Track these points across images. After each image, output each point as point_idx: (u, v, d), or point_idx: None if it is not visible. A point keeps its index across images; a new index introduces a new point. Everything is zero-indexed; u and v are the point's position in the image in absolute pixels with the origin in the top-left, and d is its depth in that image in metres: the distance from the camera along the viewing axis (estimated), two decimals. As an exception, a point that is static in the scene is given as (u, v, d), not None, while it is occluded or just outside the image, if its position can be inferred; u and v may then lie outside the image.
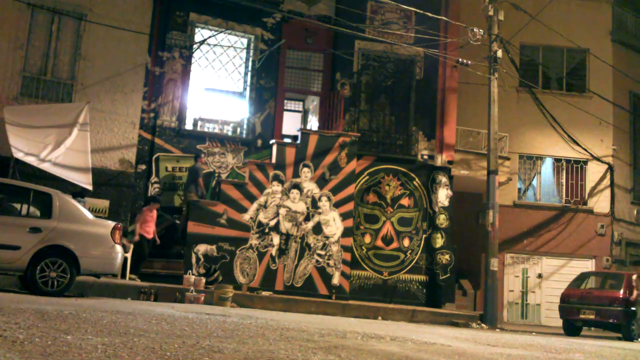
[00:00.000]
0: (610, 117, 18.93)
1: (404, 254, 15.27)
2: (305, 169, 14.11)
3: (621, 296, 13.70)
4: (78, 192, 12.06)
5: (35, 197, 9.13)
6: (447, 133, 16.08)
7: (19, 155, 11.22)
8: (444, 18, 15.52)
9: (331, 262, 13.96)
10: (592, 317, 13.79)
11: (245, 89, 15.55)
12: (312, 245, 13.87)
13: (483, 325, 13.50)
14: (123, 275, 12.36)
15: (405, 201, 15.50)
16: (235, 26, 15.34)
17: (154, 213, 13.09)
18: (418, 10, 14.86)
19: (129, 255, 12.59)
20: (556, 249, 18.42)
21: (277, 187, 13.85)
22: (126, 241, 12.51)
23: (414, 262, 15.31)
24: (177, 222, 14.03)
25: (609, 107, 18.79)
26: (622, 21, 20.27)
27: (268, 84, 15.52)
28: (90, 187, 11.97)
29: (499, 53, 14.79)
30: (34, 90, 13.57)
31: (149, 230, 12.90)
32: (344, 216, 14.18)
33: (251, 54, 15.56)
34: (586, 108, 18.28)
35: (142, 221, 12.84)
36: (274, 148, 14.18)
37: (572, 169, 19.07)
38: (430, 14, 14.81)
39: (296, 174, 14.04)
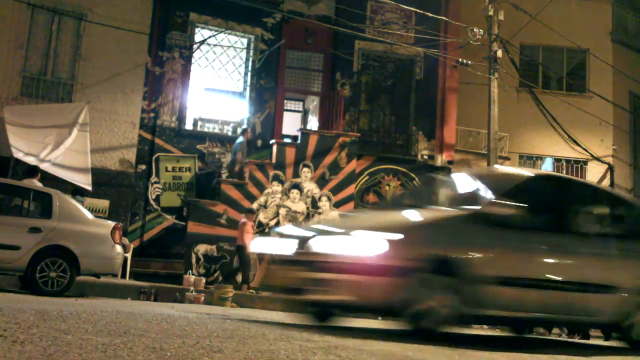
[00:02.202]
0: (610, 117, 18.92)
1: (404, 254, 15.23)
2: (305, 169, 14.12)
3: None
4: (77, 191, 12.05)
5: (35, 197, 9.13)
6: (447, 133, 16.09)
7: (19, 155, 11.23)
8: (444, 18, 15.52)
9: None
10: (592, 317, 13.81)
11: (245, 89, 15.56)
12: (312, 245, 13.84)
13: (483, 325, 13.47)
14: (123, 275, 12.36)
15: (405, 201, 15.47)
16: (235, 26, 15.35)
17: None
18: (418, 10, 14.87)
19: (129, 255, 12.59)
20: (556, 249, 18.40)
21: (277, 187, 13.85)
22: (126, 241, 12.52)
23: (414, 262, 15.28)
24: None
25: (609, 107, 18.79)
26: (622, 21, 20.27)
27: (268, 84, 15.52)
28: (89, 188, 11.98)
29: (499, 53, 14.80)
30: (34, 90, 13.57)
31: (250, 241, 12.74)
32: (344, 216, 14.17)
33: (251, 54, 15.57)
34: (586, 108, 18.28)
35: (246, 232, 12.62)
36: (274, 148, 14.18)
37: (572, 169, 19.07)
38: (430, 14, 14.81)
39: (296, 174, 14.04)
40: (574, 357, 5.47)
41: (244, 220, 12.73)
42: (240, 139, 14.13)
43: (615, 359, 6.01)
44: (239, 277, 12.59)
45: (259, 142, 15.26)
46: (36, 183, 10.17)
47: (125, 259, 12.28)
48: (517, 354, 5.50)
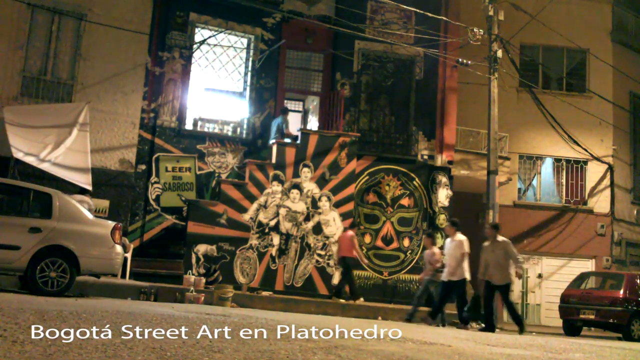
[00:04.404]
0: (610, 117, 18.93)
1: (404, 254, 15.26)
2: (305, 169, 14.11)
3: (621, 296, 13.68)
4: (83, 191, 12.09)
5: (35, 197, 9.12)
6: (447, 133, 16.08)
7: (18, 155, 11.22)
8: (444, 18, 15.51)
9: (331, 262, 13.96)
10: (592, 317, 13.78)
11: (245, 89, 15.55)
12: (312, 245, 13.87)
13: (483, 325, 13.47)
14: (123, 275, 12.36)
15: (405, 201, 15.49)
16: (235, 26, 15.34)
17: None
18: (418, 10, 14.86)
19: (129, 255, 12.59)
20: (556, 249, 18.41)
21: (277, 187, 13.85)
22: (127, 241, 12.52)
23: (414, 262, 15.30)
24: None
25: (609, 107, 18.79)
26: (622, 21, 20.28)
27: (268, 84, 15.52)
28: (90, 187, 11.97)
29: (499, 53, 14.79)
30: (34, 90, 13.56)
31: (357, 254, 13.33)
32: (344, 216, 14.17)
33: (251, 54, 15.56)
34: (586, 108, 18.28)
35: (355, 244, 13.21)
36: (274, 148, 14.18)
37: (572, 169, 19.07)
38: (430, 14, 14.81)
39: (296, 174, 14.04)
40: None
41: (351, 232, 13.22)
42: (280, 119, 14.65)
43: None
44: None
45: (259, 142, 15.26)
46: (87, 200, 11.18)
47: (125, 259, 12.29)
48: (517, 352, 5.50)
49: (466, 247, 11.06)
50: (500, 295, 11.04)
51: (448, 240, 11.47)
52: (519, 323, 11.11)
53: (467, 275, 11.07)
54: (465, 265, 11.03)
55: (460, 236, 11.25)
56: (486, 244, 11.17)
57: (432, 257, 11.73)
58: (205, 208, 13.34)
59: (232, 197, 13.49)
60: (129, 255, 12.58)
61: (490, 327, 10.85)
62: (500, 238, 11.01)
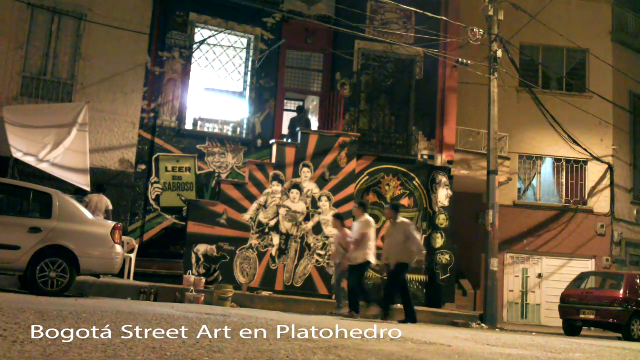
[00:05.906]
0: (610, 117, 18.92)
1: (404, 254, 15.23)
2: (305, 169, 14.11)
3: (621, 296, 13.68)
4: (101, 187, 12.23)
5: (35, 197, 9.12)
6: (447, 133, 16.08)
7: (18, 155, 11.23)
8: (444, 18, 15.52)
9: (331, 262, 13.95)
10: (592, 317, 13.78)
11: (245, 89, 15.55)
12: (312, 245, 13.86)
13: (483, 325, 13.49)
14: (123, 275, 12.36)
15: (405, 201, 15.49)
16: (235, 26, 15.34)
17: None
18: (418, 10, 14.87)
19: (133, 255, 12.60)
20: (556, 249, 18.41)
21: (277, 187, 13.85)
22: (132, 241, 12.56)
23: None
24: None
25: (609, 107, 18.79)
26: (622, 21, 20.28)
27: (268, 84, 15.51)
28: (88, 188, 12.00)
29: (499, 53, 14.79)
30: (34, 90, 13.57)
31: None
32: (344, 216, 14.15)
33: (251, 54, 15.56)
34: (586, 108, 18.28)
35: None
36: (274, 148, 14.18)
37: (572, 169, 19.07)
38: (430, 14, 14.81)
39: (296, 174, 14.04)
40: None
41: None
42: (302, 116, 15.20)
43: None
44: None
45: (259, 142, 15.26)
46: (105, 199, 11.87)
47: (130, 259, 12.33)
48: (517, 352, 5.50)
49: (366, 228, 10.38)
50: (394, 275, 10.20)
51: (355, 223, 10.93)
52: (409, 313, 10.25)
53: (372, 259, 10.37)
54: (369, 247, 10.33)
55: (366, 217, 10.69)
56: (388, 226, 10.61)
57: (344, 240, 10.95)
58: (205, 208, 13.33)
59: (232, 197, 13.49)
60: (133, 255, 12.59)
61: (384, 315, 10.15)
62: (400, 219, 10.51)
